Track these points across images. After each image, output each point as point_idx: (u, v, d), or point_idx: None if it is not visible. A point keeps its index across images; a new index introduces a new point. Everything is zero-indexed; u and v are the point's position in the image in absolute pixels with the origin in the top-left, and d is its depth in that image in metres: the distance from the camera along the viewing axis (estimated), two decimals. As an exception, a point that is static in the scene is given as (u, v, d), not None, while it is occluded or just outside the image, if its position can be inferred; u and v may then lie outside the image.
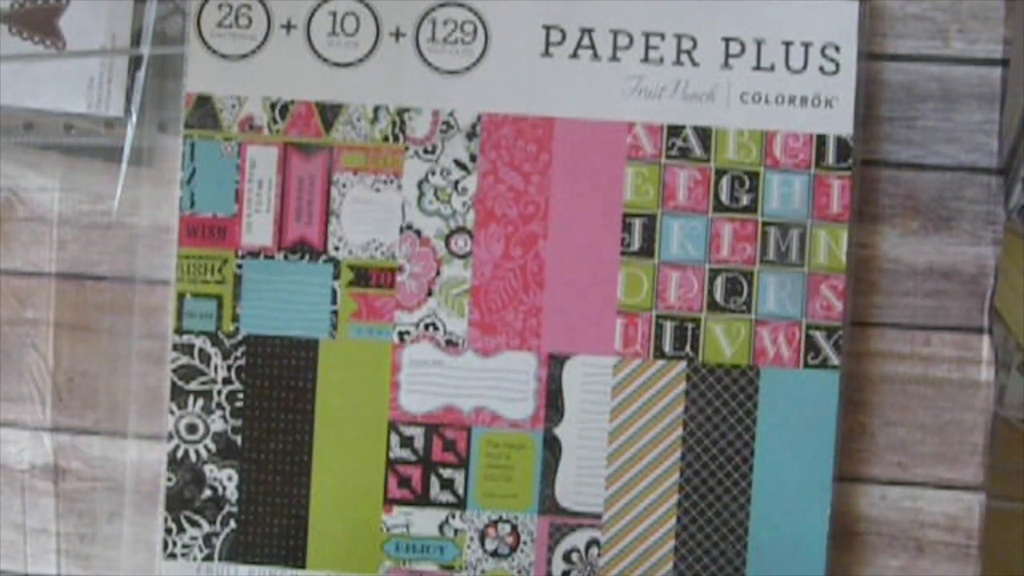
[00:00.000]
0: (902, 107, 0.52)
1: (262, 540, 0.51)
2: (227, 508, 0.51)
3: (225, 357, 0.51)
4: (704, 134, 0.51)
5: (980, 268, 0.52)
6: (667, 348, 0.51)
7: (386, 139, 0.51)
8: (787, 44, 0.50)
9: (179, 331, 0.51)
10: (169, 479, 0.51)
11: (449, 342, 0.51)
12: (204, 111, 0.51)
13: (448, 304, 0.51)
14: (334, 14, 0.51)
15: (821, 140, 0.50)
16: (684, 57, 0.51)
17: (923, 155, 0.52)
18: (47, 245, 0.54)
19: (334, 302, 0.51)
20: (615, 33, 0.51)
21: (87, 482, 0.53)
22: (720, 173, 0.51)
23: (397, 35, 0.51)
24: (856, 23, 0.50)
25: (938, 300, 0.52)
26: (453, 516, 0.51)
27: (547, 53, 0.51)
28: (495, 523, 0.51)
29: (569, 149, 0.51)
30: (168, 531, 0.51)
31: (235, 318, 0.51)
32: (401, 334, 0.51)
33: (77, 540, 0.54)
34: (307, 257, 0.51)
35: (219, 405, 0.51)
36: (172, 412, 0.51)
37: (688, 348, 0.51)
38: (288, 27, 0.51)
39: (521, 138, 0.51)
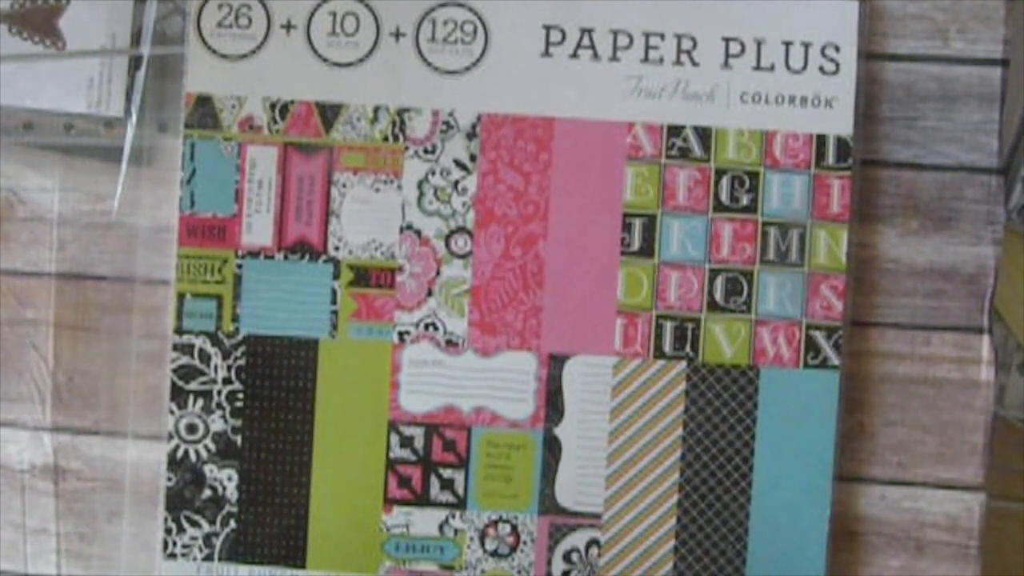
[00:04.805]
0: (902, 107, 0.52)
1: (262, 540, 0.51)
2: (227, 508, 0.51)
3: (225, 357, 0.51)
4: (704, 134, 0.51)
5: (980, 268, 0.52)
6: (667, 348, 0.51)
7: (386, 139, 0.51)
8: (787, 44, 0.50)
9: (179, 331, 0.51)
10: (169, 479, 0.51)
11: (449, 342, 0.51)
12: (204, 111, 0.51)
13: (448, 304, 0.51)
14: (334, 14, 0.51)
15: (821, 140, 0.50)
16: (684, 57, 0.51)
17: (923, 155, 0.52)
18: (47, 245, 0.54)
19: (334, 302, 0.51)
20: (615, 33, 0.51)
21: (87, 482, 0.53)
22: (720, 173, 0.51)
23: (397, 35, 0.51)
24: (856, 23, 0.50)
25: (938, 300, 0.52)
26: (453, 516, 0.51)
27: (547, 53, 0.51)
28: (495, 523, 0.51)
29: (569, 149, 0.51)
30: (168, 531, 0.51)
31: (235, 318, 0.51)
32: (401, 334, 0.51)
33: (77, 540, 0.54)
34: (307, 257, 0.51)
35: (219, 405, 0.51)
36: (172, 412, 0.51)
37: (688, 348, 0.51)
38: (288, 27, 0.51)
39: (521, 138, 0.51)
